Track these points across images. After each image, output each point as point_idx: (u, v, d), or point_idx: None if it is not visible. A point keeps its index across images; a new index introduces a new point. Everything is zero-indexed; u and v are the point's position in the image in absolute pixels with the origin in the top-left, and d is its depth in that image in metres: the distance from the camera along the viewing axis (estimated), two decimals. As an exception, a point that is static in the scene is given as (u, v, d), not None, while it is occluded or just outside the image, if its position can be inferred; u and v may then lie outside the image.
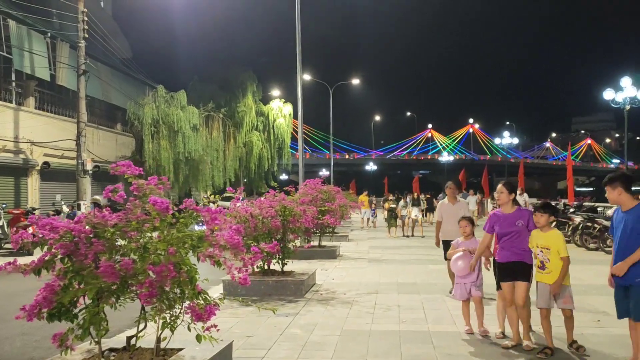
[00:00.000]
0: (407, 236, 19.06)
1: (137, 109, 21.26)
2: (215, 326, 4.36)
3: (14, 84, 19.33)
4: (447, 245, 7.81)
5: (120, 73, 25.99)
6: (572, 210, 17.54)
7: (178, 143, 21.59)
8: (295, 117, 41.83)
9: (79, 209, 17.25)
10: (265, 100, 43.54)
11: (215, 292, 8.92)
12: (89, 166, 17.87)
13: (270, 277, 9.10)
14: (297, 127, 70.98)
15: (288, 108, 43.71)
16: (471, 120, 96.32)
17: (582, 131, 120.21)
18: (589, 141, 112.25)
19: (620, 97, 17.95)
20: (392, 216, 19.03)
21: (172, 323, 4.38)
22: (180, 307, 4.48)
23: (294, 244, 9.57)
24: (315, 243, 14.37)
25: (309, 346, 5.92)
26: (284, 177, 77.98)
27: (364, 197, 26.12)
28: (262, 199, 9.56)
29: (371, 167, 67.95)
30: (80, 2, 17.68)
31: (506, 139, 41.89)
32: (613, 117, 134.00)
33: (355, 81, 44.52)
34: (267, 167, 41.83)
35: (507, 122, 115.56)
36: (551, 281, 5.36)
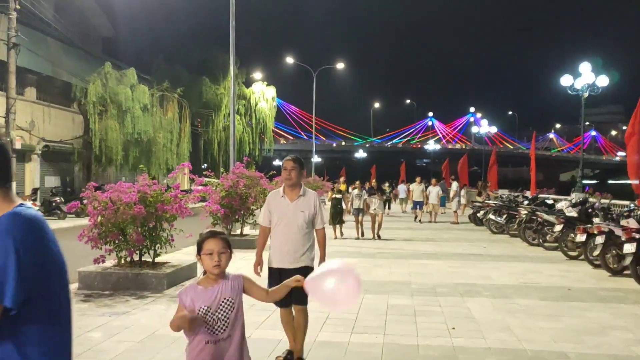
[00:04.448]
0: (359, 238, 14.54)
1: (84, 86, 20.34)
2: None
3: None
4: (279, 277, 4.46)
5: (80, 50, 25.03)
6: (526, 202, 16.51)
7: (127, 123, 20.68)
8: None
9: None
10: (248, 83, 42.56)
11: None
12: (19, 145, 17.02)
13: (134, 269, 8.22)
14: (282, 109, 69.12)
15: (271, 91, 42.70)
16: (472, 110, 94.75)
17: (587, 123, 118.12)
18: (594, 133, 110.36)
19: (579, 83, 16.82)
20: (336, 210, 14.59)
21: None
22: None
23: (170, 233, 8.63)
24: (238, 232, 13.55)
25: (86, 355, 5.04)
26: (277, 162, 77.42)
27: (342, 186, 25.11)
28: (123, 182, 8.61)
29: (360, 154, 66.80)
30: (12, -29, 16.69)
31: (484, 127, 40.53)
32: (622, 109, 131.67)
33: (340, 65, 43.30)
34: (248, 152, 40.96)
35: (510, 112, 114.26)
36: None
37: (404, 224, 19.22)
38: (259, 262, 4.78)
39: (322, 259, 4.75)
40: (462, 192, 26.66)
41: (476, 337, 5.66)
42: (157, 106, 23.63)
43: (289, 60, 43.28)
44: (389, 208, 24.93)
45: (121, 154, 20.74)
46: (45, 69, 21.81)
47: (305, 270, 4.49)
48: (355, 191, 14.85)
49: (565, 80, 17.13)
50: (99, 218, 8.05)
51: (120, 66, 25.52)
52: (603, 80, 16.79)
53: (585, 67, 16.66)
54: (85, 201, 8.21)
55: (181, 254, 11.26)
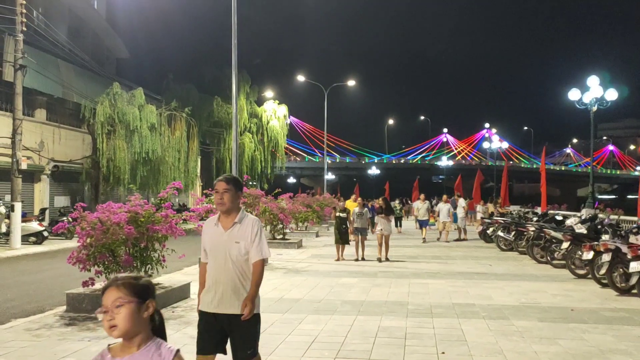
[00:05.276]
0: (357, 260, 13.54)
1: (93, 106, 20.53)
2: None
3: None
4: (212, 323, 3.74)
5: (90, 72, 25.29)
6: (535, 219, 16.15)
7: (135, 143, 20.79)
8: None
9: (12, 210, 16.47)
10: (260, 102, 42.77)
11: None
12: (25, 165, 17.10)
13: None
14: (296, 127, 69.66)
15: (282, 109, 42.81)
16: (487, 125, 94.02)
17: (605, 137, 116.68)
18: (612, 148, 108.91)
19: (587, 97, 16.44)
20: (341, 230, 13.71)
21: None
22: None
23: (161, 254, 8.48)
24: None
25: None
26: (291, 180, 77.38)
27: (350, 203, 24.73)
28: (112, 202, 8.49)
29: (374, 171, 66.50)
30: (20, -6, 16.94)
31: (495, 142, 40.04)
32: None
33: (351, 82, 43.31)
34: (260, 170, 41.04)
35: (525, 128, 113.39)
36: None
37: (411, 242, 18.89)
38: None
39: (250, 298, 3.64)
40: (478, 207, 26.27)
41: (465, 362, 5.39)
42: (165, 125, 23.72)
43: (301, 78, 43.42)
44: (400, 226, 24.61)
45: (129, 173, 20.84)
46: (55, 91, 22.07)
47: (244, 320, 3.63)
48: (357, 209, 14.11)
49: (573, 94, 16.81)
50: (88, 239, 7.94)
51: (131, 86, 25.77)
52: (612, 94, 16.43)
53: (593, 80, 16.34)
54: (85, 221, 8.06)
55: (180, 275, 11.20)
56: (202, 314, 3.78)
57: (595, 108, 16.39)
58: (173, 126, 24.24)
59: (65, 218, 19.43)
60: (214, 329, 3.71)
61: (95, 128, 20.36)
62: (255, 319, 3.75)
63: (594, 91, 16.41)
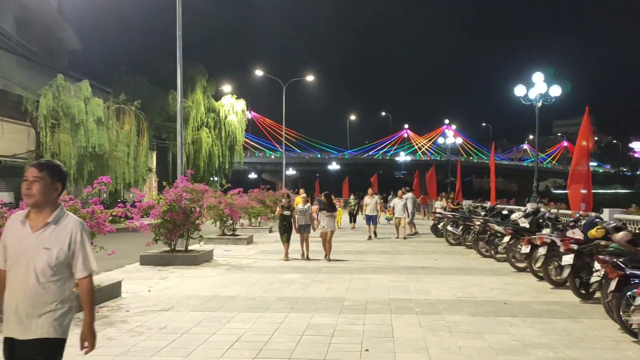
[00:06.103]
0: (305, 258, 12.90)
1: (37, 99, 19.79)
2: None
3: None
4: (9, 352, 3.01)
5: (35, 64, 24.41)
6: (483, 213, 16.33)
7: (80, 137, 20.13)
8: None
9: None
10: (218, 96, 42.19)
11: None
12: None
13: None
14: (256, 122, 68.97)
15: (241, 104, 42.36)
16: (447, 122, 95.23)
17: (559, 134, 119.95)
18: (565, 144, 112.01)
19: (532, 93, 16.74)
20: (284, 226, 13.14)
21: None
22: None
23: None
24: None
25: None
26: (253, 175, 76.82)
27: (300, 200, 24.47)
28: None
29: (334, 167, 66.58)
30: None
31: (450, 138, 40.56)
32: (594, 120, 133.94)
33: (310, 78, 43.19)
34: (218, 165, 40.59)
35: (484, 124, 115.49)
36: None
37: (363, 237, 18.81)
38: None
39: (88, 325, 3.06)
40: (437, 204, 26.43)
41: (387, 359, 5.30)
42: (114, 119, 23.05)
43: (259, 72, 43.01)
44: (355, 221, 24.55)
45: (75, 168, 20.18)
46: (-4, 83, 21.22)
47: (43, 346, 2.91)
48: (299, 206, 13.56)
49: (519, 90, 17.08)
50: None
51: (80, 79, 24.95)
52: (555, 90, 16.74)
53: (537, 77, 16.63)
54: None
55: (120, 272, 10.76)
56: (4, 342, 3.03)
57: (539, 104, 16.72)
58: (122, 120, 23.56)
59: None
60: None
61: (38, 121, 19.62)
62: (59, 346, 2.99)
63: (538, 87, 16.75)
